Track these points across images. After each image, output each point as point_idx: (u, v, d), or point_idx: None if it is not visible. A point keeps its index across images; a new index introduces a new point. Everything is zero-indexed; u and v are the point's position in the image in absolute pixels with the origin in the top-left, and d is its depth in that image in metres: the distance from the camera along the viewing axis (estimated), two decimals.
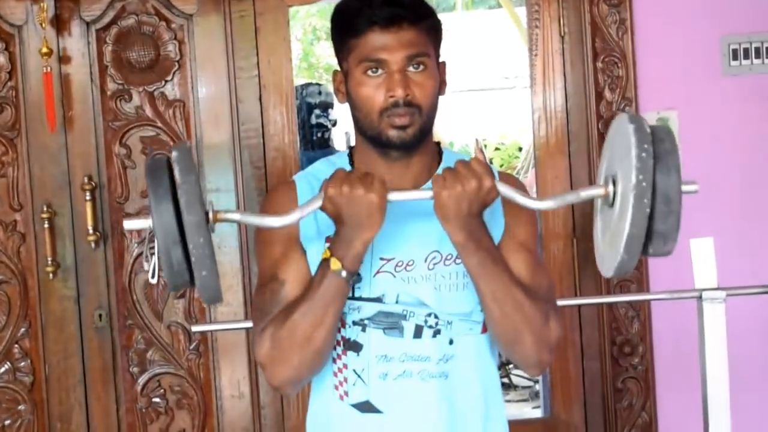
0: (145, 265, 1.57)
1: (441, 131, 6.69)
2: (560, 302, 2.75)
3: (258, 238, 1.78)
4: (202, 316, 3.20)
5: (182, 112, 3.18)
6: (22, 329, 3.18)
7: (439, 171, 1.77)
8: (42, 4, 3.06)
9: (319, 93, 5.07)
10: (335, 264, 1.60)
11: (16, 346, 3.19)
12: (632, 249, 1.48)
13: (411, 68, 1.67)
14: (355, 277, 1.64)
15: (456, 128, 9.07)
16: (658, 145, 1.48)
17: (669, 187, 1.47)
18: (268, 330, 1.67)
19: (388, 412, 1.72)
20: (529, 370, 1.78)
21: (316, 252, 1.70)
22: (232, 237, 3.17)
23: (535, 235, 1.80)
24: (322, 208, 1.60)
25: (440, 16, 1.76)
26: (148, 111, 3.17)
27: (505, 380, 5.29)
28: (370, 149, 1.73)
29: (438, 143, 1.82)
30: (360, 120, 1.71)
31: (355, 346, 1.72)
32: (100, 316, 3.18)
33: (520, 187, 1.81)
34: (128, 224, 1.53)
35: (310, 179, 1.78)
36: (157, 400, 3.24)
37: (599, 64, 3.19)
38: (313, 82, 6.61)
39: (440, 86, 1.73)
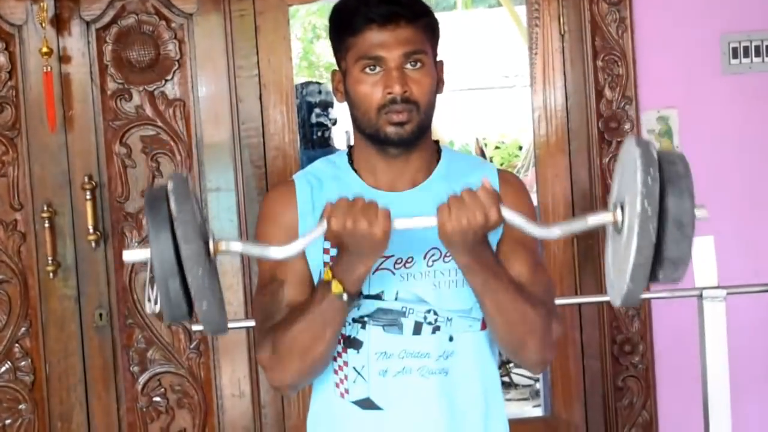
0: (145, 297, 1.54)
1: (441, 130, 6.67)
2: (560, 301, 2.76)
3: (257, 239, 1.77)
4: None
5: (182, 112, 3.18)
6: (23, 329, 3.19)
7: (439, 170, 1.77)
8: (42, 4, 3.05)
9: (320, 92, 5.06)
10: (337, 287, 1.59)
11: (17, 345, 3.19)
12: (638, 278, 1.40)
13: (408, 65, 1.67)
14: (356, 300, 1.63)
15: (456, 127, 9.06)
16: (670, 168, 1.41)
17: (683, 211, 1.40)
18: (269, 337, 1.68)
19: (389, 409, 1.72)
20: (532, 369, 1.80)
21: (315, 252, 1.70)
22: (233, 237, 3.16)
23: None
24: (325, 238, 1.58)
25: (440, 14, 1.76)
26: (149, 110, 3.17)
27: (506, 379, 5.28)
28: (368, 147, 1.73)
29: (437, 142, 1.82)
30: (358, 118, 1.71)
31: (354, 343, 1.72)
32: (101, 315, 3.18)
33: (521, 187, 1.82)
34: (127, 256, 1.49)
35: (309, 178, 1.78)
36: (157, 399, 3.24)
37: (599, 63, 3.19)
38: (314, 80, 6.59)
39: (438, 85, 1.73)
